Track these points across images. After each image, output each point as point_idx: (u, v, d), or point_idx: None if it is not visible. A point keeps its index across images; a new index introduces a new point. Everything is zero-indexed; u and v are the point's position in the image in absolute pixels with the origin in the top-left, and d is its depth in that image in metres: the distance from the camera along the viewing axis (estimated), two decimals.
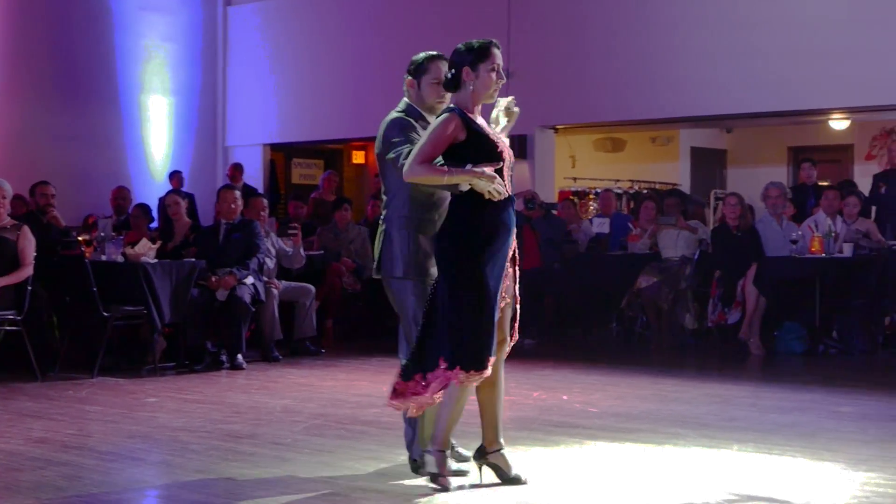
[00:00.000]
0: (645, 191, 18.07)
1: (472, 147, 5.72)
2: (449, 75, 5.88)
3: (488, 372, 5.64)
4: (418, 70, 6.18)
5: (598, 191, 17.02)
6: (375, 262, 6.17)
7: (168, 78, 18.18)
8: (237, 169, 17.17)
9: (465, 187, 5.66)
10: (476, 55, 5.81)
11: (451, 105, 5.88)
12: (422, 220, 6.01)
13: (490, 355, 5.62)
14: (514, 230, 5.85)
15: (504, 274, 5.73)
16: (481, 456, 5.86)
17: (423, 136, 5.79)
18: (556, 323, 13.75)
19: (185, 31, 18.48)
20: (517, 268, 5.92)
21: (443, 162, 5.70)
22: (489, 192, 5.62)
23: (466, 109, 5.79)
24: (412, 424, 6.11)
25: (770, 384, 9.81)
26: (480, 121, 5.84)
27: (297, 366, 10.99)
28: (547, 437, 7.20)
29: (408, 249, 6.00)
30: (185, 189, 16.63)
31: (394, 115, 6.16)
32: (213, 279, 10.89)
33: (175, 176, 16.94)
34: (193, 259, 11.02)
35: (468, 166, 5.64)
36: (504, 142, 5.87)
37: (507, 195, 5.72)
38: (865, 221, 12.51)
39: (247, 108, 18.76)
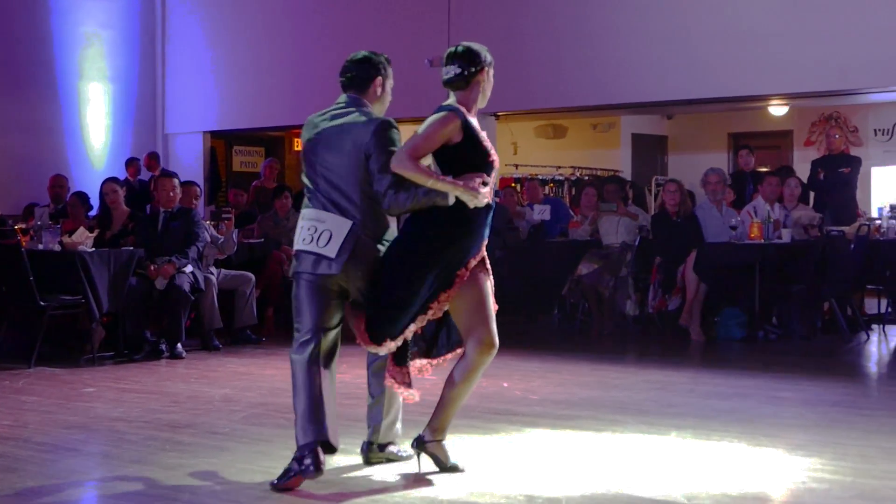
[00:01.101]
0: (586, 177, 18.12)
1: (465, 151, 5.63)
2: (465, 72, 5.75)
3: (377, 350, 5.71)
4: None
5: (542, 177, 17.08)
6: None
7: (106, 65, 17.98)
8: (153, 158, 16.91)
9: (451, 198, 5.54)
10: (490, 59, 5.83)
11: (452, 103, 5.74)
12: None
13: (390, 339, 5.65)
14: (486, 239, 5.80)
15: (455, 279, 5.67)
16: (420, 444, 5.84)
17: (419, 129, 5.65)
18: (498, 310, 13.70)
19: (123, 18, 18.27)
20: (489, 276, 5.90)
21: (429, 162, 5.63)
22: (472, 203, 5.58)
23: (467, 111, 5.71)
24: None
25: (710, 370, 9.86)
26: (476, 125, 5.73)
27: (238, 354, 10.93)
28: (486, 424, 7.19)
29: None
30: (141, 177, 16.48)
31: None
32: (152, 268, 10.80)
33: (133, 163, 16.73)
34: (132, 248, 10.92)
35: (449, 177, 5.57)
36: (494, 149, 5.81)
37: (487, 203, 5.65)
38: (804, 208, 12.60)
39: (187, 95, 18.60)
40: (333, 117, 5.85)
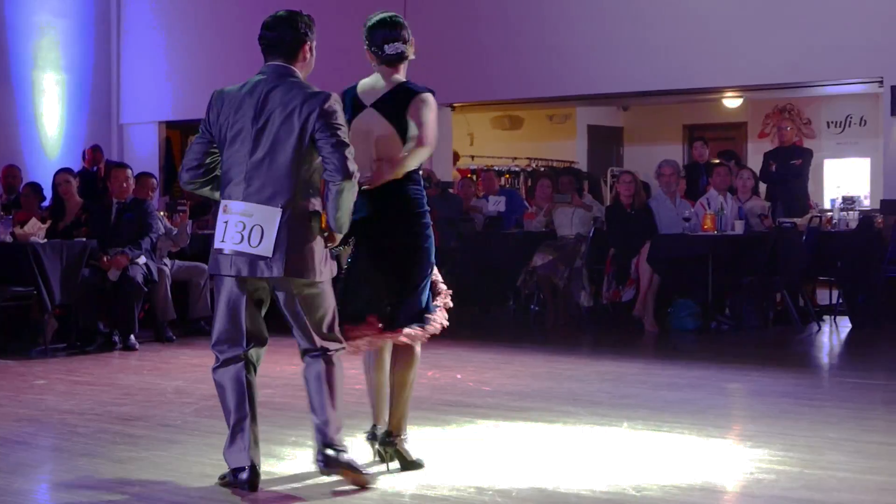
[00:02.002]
0: (542, 168, 18.16)
1: None
2: (400, 49, 5.72)
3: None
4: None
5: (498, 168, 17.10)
6: None
7: (60, 55, 17.84)
8: (96, 150, 16.66)
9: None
10: None
11: (420, 85, 5.70)
12: None
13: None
14: None
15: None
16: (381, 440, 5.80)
17: (427, 118, 5.57)
18: (452, 301, 13.72)
19: (77, 8, 18.14)
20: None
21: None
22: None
23: None
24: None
25: (662, 361, 9.91)
26: None
27: (191, 346, 10.89)
28: (439, 416, 7.20)
29: None
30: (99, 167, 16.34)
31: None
32: (105, 259, 10.75)
33: (96, 150, 16.56)
34: (85, 239, 10.87)
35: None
36: None
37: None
38: (757, 199, 12.67)
39: (142, 85, 18.49)
40: (258, 91, 5.38)
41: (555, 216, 13.07)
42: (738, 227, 12.00)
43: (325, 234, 5.36)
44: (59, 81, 17.75)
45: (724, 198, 12.31)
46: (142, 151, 17.47)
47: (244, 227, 5.26)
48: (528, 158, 18.81)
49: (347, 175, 5.18)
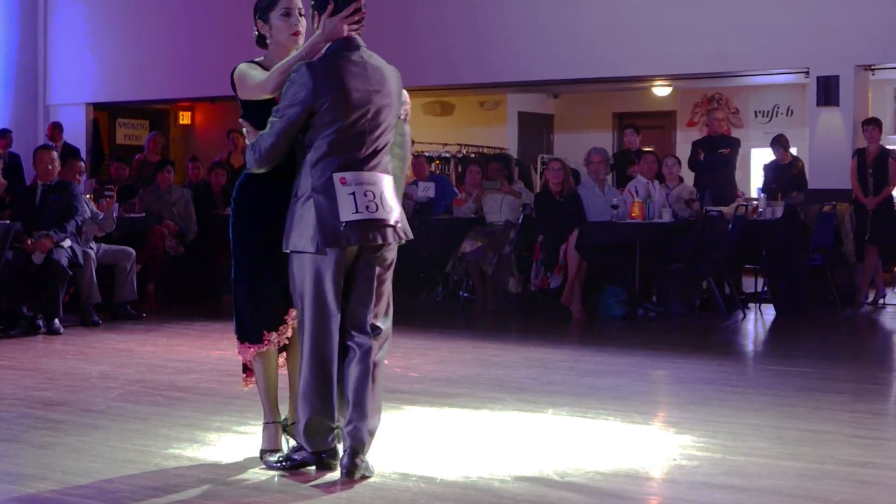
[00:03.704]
0: (472, 155, 18.18)
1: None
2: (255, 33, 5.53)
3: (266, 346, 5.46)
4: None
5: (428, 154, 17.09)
6: None
7: None
8: (56, 128, 16.70)
9: None
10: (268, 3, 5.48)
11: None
12: None
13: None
14: None
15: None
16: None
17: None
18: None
19: None
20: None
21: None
22: None
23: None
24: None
25: (589, 348, 9.96)
26: None
27: (117, 331, 10.80)
28: None
29: None
30: (12, 150, 16.16)
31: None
32: (30, 242, 10.62)
33: (5, 134, 16.41)
34: (8, 221, 10.72)
35: None
36: None
37: None
38: (686, 187, 12.77)
39: (70, 65, 18.29)
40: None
41: (484, 202, 13.09)
42: (666, 215, 12.08)
43: None
44: None
45: (651, 185, 12.39)
46: (68, 133, 17.24)
47: (374, 195, 5.28)
48: (458, 144, 18.81)
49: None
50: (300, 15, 5.48)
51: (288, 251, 5.30)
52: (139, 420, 6.62)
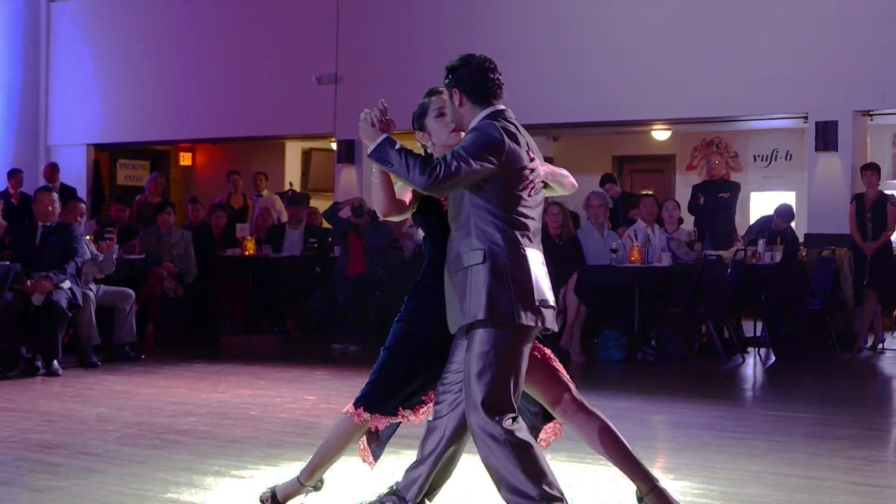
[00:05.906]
0: None
1: None
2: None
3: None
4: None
5: None
6: None
7: None
8: (53, 169, 16.72)
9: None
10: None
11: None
12: None
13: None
14: None
15: None
16: None
17: None
18: (380, 329, 13.70)
19: (6, 27, 18.02)
20: None
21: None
22: None
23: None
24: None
25: (588, 392, 9.80)
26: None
27: (116, 372, 10.78)
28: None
29: None
30: (23, 189, 16.20)
31: None
32: (29, 283, 10.62)
33: (14, 174, 16.45)
34: (8, 262, 10.73)
35: None
36: None
37: None
38: (685, 230, 12.79)
39: (71, 106, 18.38)
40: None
41: None
42: (665, 259, 12.09)
43: None
44: None
45: (651, 230, 12.41)
46: (69, 174, 17.29)
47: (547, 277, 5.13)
48: None
49: None
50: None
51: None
52: (136, 464, 6.60)
